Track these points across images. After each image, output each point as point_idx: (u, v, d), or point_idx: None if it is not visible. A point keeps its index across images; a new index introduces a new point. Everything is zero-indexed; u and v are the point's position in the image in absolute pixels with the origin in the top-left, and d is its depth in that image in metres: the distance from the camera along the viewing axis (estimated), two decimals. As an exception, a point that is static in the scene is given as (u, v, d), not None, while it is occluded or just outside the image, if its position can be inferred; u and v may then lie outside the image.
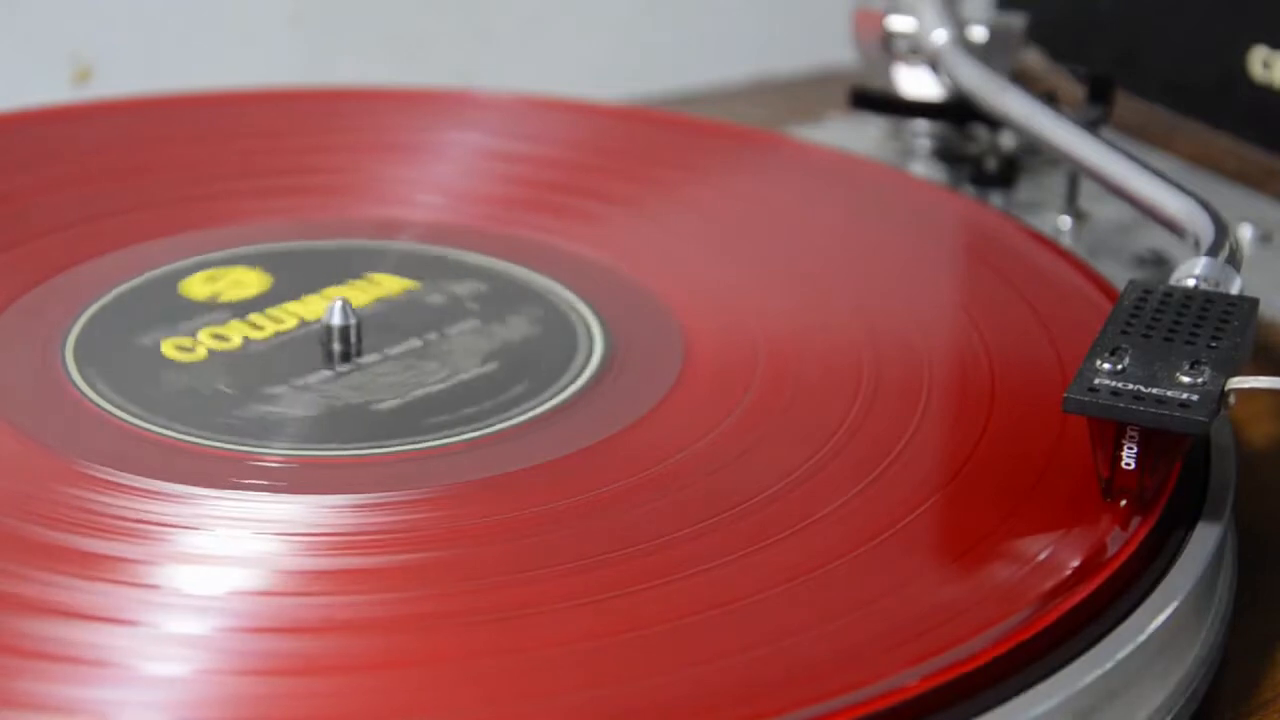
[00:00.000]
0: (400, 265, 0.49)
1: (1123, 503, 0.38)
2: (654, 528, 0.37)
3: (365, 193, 0.54)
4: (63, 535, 0.36)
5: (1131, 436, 0.37)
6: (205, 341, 0.45)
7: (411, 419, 0.42)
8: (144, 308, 0.47)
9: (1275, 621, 0.41)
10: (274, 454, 0.40)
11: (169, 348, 0.44)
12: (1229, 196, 0.63)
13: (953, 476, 0.39)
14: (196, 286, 0.47)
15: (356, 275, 0.49)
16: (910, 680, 0.32)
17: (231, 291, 0.47)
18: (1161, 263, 0.57)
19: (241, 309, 0.47)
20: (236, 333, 0.45)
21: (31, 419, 0.41)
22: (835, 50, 0.71)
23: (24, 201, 0.52)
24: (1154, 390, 0.37)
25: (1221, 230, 0.44)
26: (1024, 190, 0.61)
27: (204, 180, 0.54)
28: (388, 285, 0.48)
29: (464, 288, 0.48)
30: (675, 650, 0.33)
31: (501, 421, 0.42)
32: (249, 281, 0.48)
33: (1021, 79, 0.60)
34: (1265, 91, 0.64)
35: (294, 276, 0.48)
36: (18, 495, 0.38)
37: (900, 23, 0.62)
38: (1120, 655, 0.34)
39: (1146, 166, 0.48)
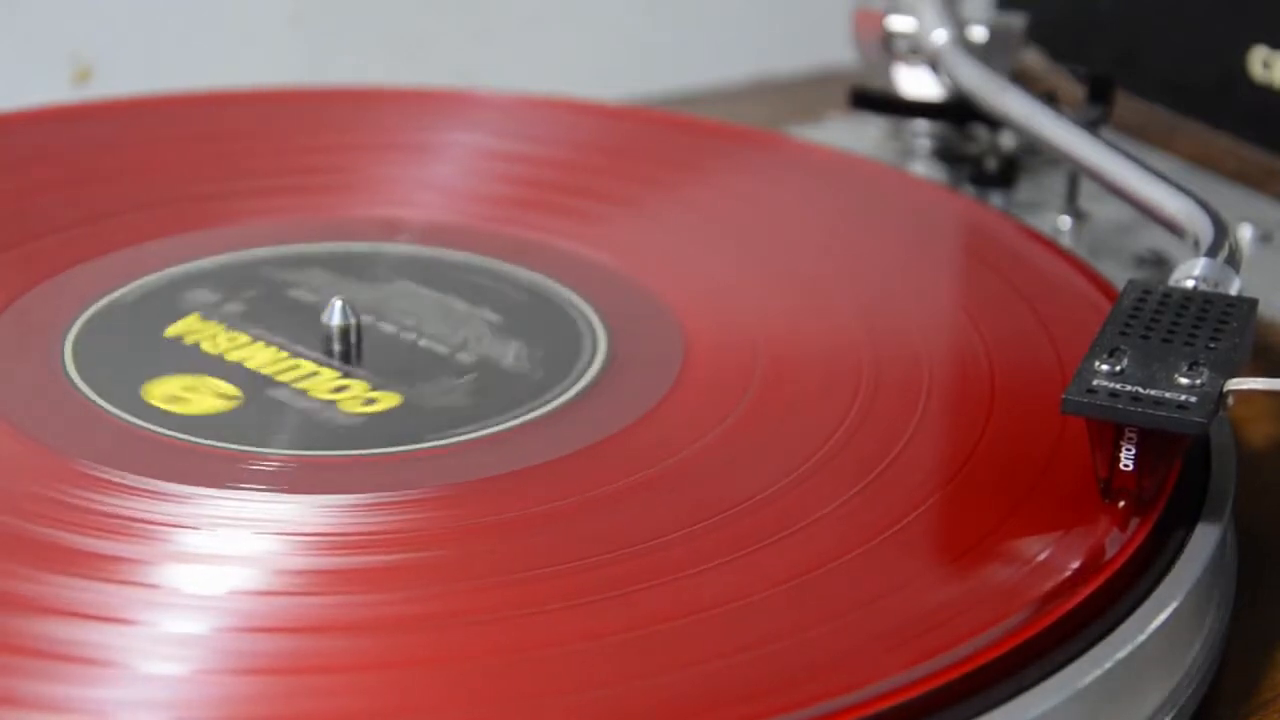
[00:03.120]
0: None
1: (1121, 503, 0.38)
2: (653, 527, 0.37)
3: (365, 193, 0.54)
4: (63, 535, 0.36)
5: (1130, 437, 0.37)
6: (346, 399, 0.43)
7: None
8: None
9: (1275, 621, 0.41)
10: (274, 454, 0.40)
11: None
12: (1229, 196, 0.62)
13: (952, 476, 0.39)
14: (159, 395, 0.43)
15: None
16: (910, 680, 0.32)
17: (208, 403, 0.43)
18: (1161, 263, 0.57)
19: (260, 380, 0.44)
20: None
21: (31, 419, 0.41)
22: (835, 50, 0.71)
23: (24, 201, 0.52)
24: (1152, 391, 0.37)
25: (1221, 230, 0.44)
26: (1024, 190, 0.61)
27: (204, 180, 0.54)
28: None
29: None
30: (675, 650, 0.33)
31: (501, 421, 0.42)
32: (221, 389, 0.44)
33: (1021, 79, 0.60)
34: (1265, 91, 0.64)
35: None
36: (18, 495, 0.38)
37: (900, 23, 0.62)
38: (1120, 656, 0.34)
39: (1146, 166, 0.48)
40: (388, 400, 0.43)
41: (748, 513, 0.38)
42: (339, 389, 0.43)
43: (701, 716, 0.32)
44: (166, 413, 0.42)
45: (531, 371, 0.44)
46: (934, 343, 0.45)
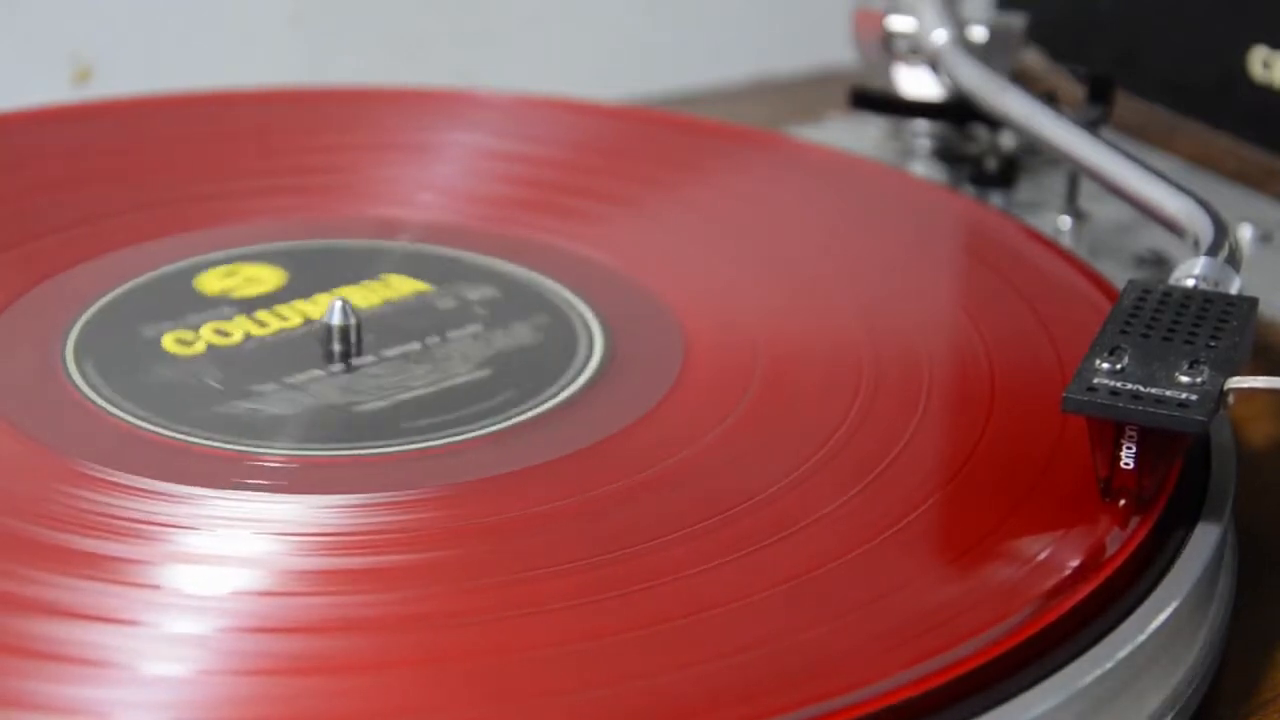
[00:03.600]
0: (403, 266, 0.49)
1: (1122, 502, 0.38)
2: (653, 527, 0.37)
3: (365, 193, 0.54)
4: (63, 535, 0.36)
5: (1130, 436, 0.37)
6: (206, 336, 0.45)
7: (411, 419, 0.42)
8: (144, 308, 0.47)
9: (1275, 621, 0.41)
10: (274, 454, 0.40)
11: (169, 341, 0.44)
12: (1229, 196, 0.63)
13: (953, 476, 0.39)
14: (212, 281, 0.48)
15: (373, 275, 0.49)
16: (910, 680, 0.32)
17: (245, 288, 0.48)
18: (1161, 263, 0.57)
19: (250, 305, 0.47)
20: (239, 329, 0.46)
21: (31, 419, 0.41)
22: (835, 50, 0.71)
23: (24, 201, 0.52)
24: (1153, 390, 0.37)
25: (1221, 230, 0.44)
26: (1024, 190, 0.61)
27: (204, 180, 0.54)
28: (398, 286, 0.48)
29: (474, 292, 0.48)
30: (674, 650, 0.33)
31: (501, 422, 0.42)
32: (264, 278, 0.48)
33: (1021, 79, 0.60)
34: (1265, 91, 0.64)
35: (309, 275, 0.49)
36: (18, 495, 0.38)
37: (900, 23, 0.62)
38: (1120, 655, 0.34)
39: (1146, 166, 0.48)
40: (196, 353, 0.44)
41: (748, 513, 0.38)
42: (222, 333, 0.45)
43: (701, 716, 0.32)
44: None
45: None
46: (934, 343, 0.45)
